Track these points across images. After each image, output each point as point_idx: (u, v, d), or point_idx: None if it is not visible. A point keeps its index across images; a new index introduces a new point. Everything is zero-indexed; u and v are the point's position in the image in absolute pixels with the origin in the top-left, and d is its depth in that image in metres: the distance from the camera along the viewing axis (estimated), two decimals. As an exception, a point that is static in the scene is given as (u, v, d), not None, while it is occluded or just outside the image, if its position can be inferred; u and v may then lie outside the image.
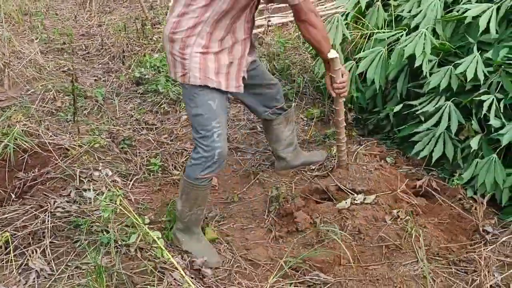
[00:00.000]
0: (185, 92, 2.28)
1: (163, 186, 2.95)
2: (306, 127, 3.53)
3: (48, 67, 4.59)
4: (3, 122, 3.39)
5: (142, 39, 5.15)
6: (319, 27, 2.26)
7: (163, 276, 2.15)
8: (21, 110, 3.68)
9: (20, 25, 5.79)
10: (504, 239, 2.34)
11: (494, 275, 2.14)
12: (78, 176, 2.79)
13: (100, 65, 4.83)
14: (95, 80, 4.48)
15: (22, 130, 3.21)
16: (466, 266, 2.23)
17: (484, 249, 2.28)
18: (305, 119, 3.64)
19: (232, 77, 2.28)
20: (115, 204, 2.08)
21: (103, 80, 4.47)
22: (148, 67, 4.39)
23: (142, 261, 2.23)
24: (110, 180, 2.50)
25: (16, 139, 3.06)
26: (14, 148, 3.01)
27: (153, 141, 3.40)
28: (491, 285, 2.10)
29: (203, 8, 2.10)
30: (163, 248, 2.04)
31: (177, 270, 2.17)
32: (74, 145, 3.15)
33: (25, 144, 3.09)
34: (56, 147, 3.16)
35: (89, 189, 2.49)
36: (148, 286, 2.08)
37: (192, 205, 2.39)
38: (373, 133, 3.43)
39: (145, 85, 4.19)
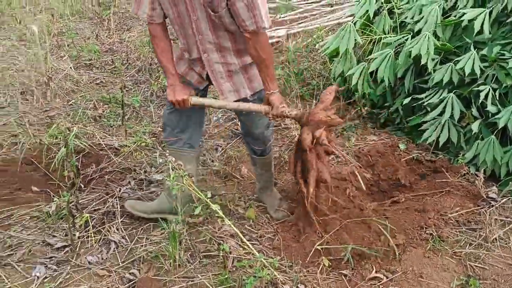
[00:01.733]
0: None
1: (205, 176, 3.37)
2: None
3: (82, 80, 5.03)
4: (54, 130, 3.81)
5: (164, 53, 5.59)
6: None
7: (222, 243, 2.57)
8: (67, 118, 4.12)
9: (47, 44, 6.23)
10: (503, 201, 2.79)
11: (498, 231, 2.57)
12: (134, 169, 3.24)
13: (128, 77, 5.27)
14: (127, 90, 4.91)
15: (75, 134, 3.64)
16: (474, 226, 2.67)
17: (488, 211, 2.71)
18: (323, 116, 4.07)
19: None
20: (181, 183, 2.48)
21: (134, 91, 4.90)
22: (176, 76, 4.81)
23: (200, 232, 2.65)
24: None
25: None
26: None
27: (190, 140, 3.83)
28: (495, 238, 2.53)
29: None
30: (224, 217, 2.46)
31: (231, 239, 2.61)
32: (124, 145, 3.59)
33: (80, 146, 3.51)
34: (107, 147, 3.60)
35: (156, 172, 2.90)
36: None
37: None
38: (385, 126, 3.87)
39: (175, 92, 4.62)
